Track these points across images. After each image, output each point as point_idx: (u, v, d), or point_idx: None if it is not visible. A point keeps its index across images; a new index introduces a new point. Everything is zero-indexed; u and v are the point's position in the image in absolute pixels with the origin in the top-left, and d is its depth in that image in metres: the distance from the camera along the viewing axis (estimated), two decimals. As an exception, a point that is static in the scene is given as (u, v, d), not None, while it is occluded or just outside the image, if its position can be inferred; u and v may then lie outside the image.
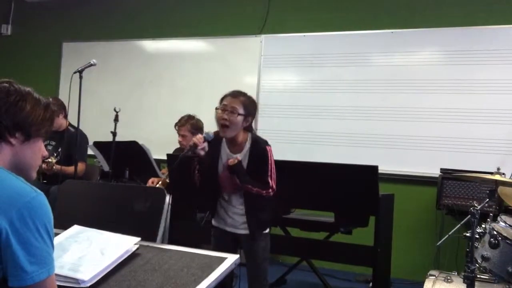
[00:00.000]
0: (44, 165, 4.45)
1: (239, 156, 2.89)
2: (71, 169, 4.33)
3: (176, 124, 4.50)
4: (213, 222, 3.06)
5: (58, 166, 4.41)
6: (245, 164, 2.89)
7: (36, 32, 7.18)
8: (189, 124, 4.40)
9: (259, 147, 2.92)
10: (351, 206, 3.70)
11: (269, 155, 2.90)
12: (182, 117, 4.51)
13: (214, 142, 2.95)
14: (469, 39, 4.99)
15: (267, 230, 3.00)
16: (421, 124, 5.05)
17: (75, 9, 6.94)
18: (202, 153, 2.86)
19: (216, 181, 2.94)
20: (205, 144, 2.89)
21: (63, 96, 4.99)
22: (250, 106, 2.94)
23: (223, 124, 2.87)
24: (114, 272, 1.74)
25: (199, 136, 2.88)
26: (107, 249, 1.80)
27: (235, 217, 2.95)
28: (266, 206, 2.94)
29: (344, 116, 5.36)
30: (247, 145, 2.94)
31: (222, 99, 2.95)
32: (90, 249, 1.81)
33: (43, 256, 1.33)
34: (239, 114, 2.87)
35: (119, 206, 2.18)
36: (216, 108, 2.94)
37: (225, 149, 2.97)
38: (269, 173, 2.89)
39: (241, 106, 2.89)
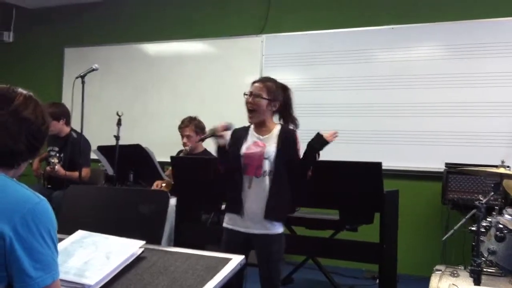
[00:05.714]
0: (48, 168, 4.47)
1: (267, 138, 2.92)
2: (75, 174, 4.36)
3: (179, 127, 4.54)
4: (225, 223, 2.96)
5: (60, 168, 4.42)
6: (274, 146, 2.91)
7: (38, 38, 7.22)
8: (192, 125, 4.49)
9: (288, 130, 3.00)
10: (356, 203, 3.69)
11: (298, 137, 2.98)
12: (185, 119, 4.57)
13: (241, 129, 2.99)
14: (470, 33, 4.97)
15: (281, 230, 2.94)
16: (425, 119, 5.04)
17: (76, 15, 6.96)
18: (222, 141, 2.87)
19: (239, 163, 2.89)
20: (225, 133, 2.91)
21: (66, 101, 5.01)
22: (276, 92, 2.99)
23: (249, 109, 2.93)
24: (120, 276, 1.74)
25: (222, 122, 2.88)
26: (112, 253, 1.81)
27: (253, 209, 2.86)
28: (287, 194, 2.93)
29: (347, 113, 5.36)
30: (276, 130, 2.97)
31: (251, 86, 3.01)
32: (95, 254, 1.82)
33: (47, 262, 1.34)
34: (262, 98, 2.91)
35: (123, 210, 2.19)
36: (244, 94, 2.99)
37: (252, 133, 2.99)
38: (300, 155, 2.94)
39: (265, 91, 2.94)
